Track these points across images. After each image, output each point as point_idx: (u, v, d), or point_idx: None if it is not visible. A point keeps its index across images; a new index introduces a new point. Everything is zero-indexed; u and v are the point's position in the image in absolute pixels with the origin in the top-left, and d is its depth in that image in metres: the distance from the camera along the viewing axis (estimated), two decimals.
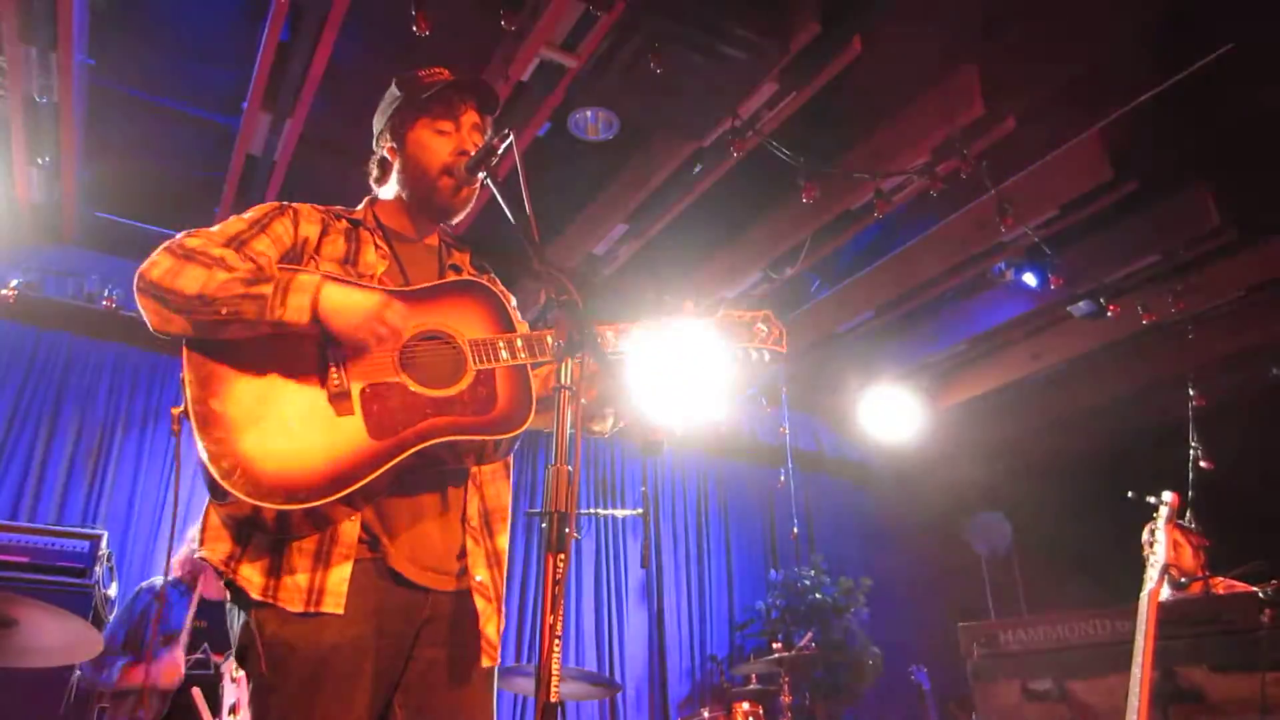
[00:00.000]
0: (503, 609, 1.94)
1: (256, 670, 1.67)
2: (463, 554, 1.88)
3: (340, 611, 1.68)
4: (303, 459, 1.67)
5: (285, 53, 4.42)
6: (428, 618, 1.82)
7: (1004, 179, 5.30)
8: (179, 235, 1.80)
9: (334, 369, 1.76)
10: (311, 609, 1.67)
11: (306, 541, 1.71)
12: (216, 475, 1.61)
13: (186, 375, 1.70)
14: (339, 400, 1.74)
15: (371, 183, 2.18)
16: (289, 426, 1.70)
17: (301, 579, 1.68)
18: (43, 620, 3.18)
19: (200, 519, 1.77)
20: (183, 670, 3.67)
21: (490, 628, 1.87)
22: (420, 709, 1.79)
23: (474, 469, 1.94)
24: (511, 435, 1.85)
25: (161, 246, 1.77)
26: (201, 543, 1.75)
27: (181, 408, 1.69)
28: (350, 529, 1.73)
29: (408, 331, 1.85)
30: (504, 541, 1.97)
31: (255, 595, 1.67)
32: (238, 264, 1.74)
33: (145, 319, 1.73)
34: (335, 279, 1.81)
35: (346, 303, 1.74)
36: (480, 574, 1.88)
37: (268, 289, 1.70)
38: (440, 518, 1.87)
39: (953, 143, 4.91)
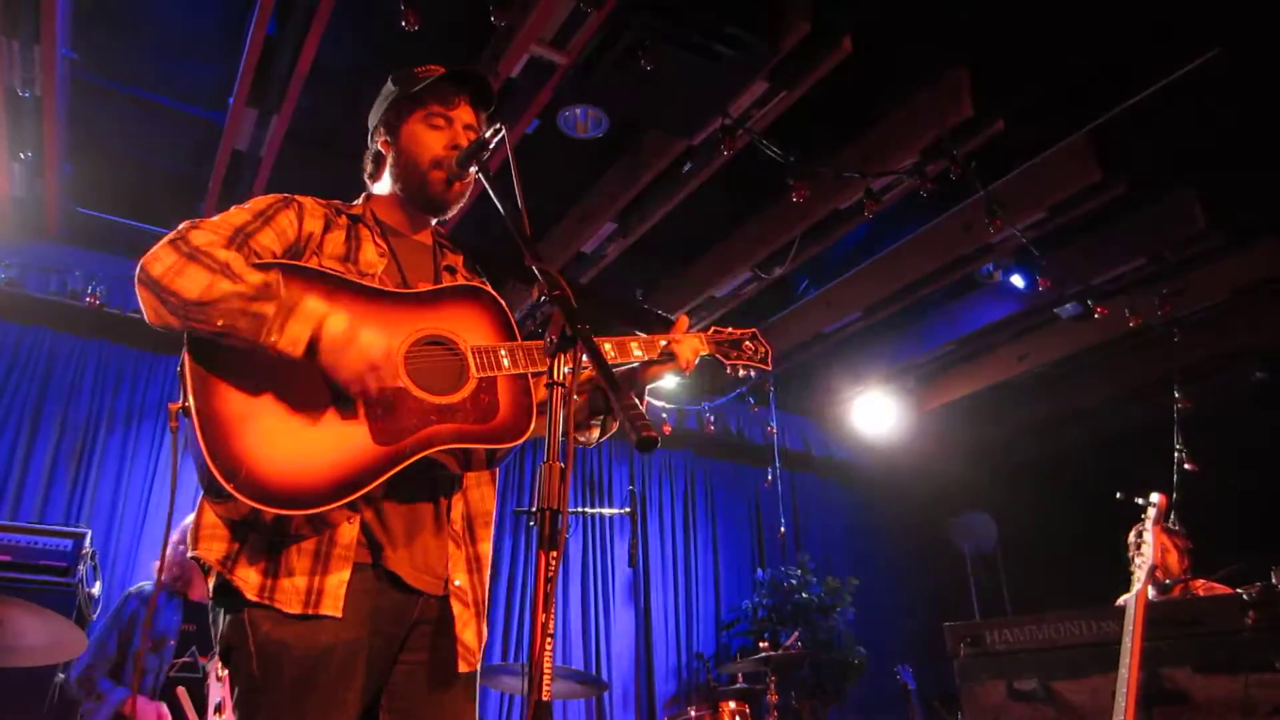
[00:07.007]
0: (484, 614, 1.91)
1: (246, 670, 1.64)
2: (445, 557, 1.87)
3: (339, 615, 1.66)
4: (308, 462, 1.64)
5: (272, 47, 4.37)
6: (416, 620, 1.81)
7: (993, 180, 5.32)
8: (183, 226, 1.73)
9: None
10: (310, 610, 1.64)
11: (305, 543, 1.68)
12: (220, 476, 1.56)
13: (188, 371, 1.64)
14: (343, 404, 1.71)
15: (365, 178, 2.15)
16: (293, 429, 1.66)
17: (300, 581, 1.65)
18: (25, 619, 3.15)
19: (192, 519, 1.73)
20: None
21: (468, 633, 1.84)
22: (405, 712, 1.78)
23: (461, 473, 1.92)
24: (513, 445, 1.84)
25: (166, 239, 1.70)
26: (196, 543, 1.69)
27: (180, 403, 1.63)
28: (349, 531, 1.71)
29: (411, 336, 1.82)
30: (486, 547, 1.95)
31: (251, 596, 1.64)
32: (244, 273, 1.65)
33: (142, 310, 1.67)
34: (338, 288, 1.79)
35: (347, 347, 1.66)
36: (459, 579, 1.85)
37: (269, 309, 1.62)
38: (432, 522, 1.86)
39: (942, 144, 4.92)
